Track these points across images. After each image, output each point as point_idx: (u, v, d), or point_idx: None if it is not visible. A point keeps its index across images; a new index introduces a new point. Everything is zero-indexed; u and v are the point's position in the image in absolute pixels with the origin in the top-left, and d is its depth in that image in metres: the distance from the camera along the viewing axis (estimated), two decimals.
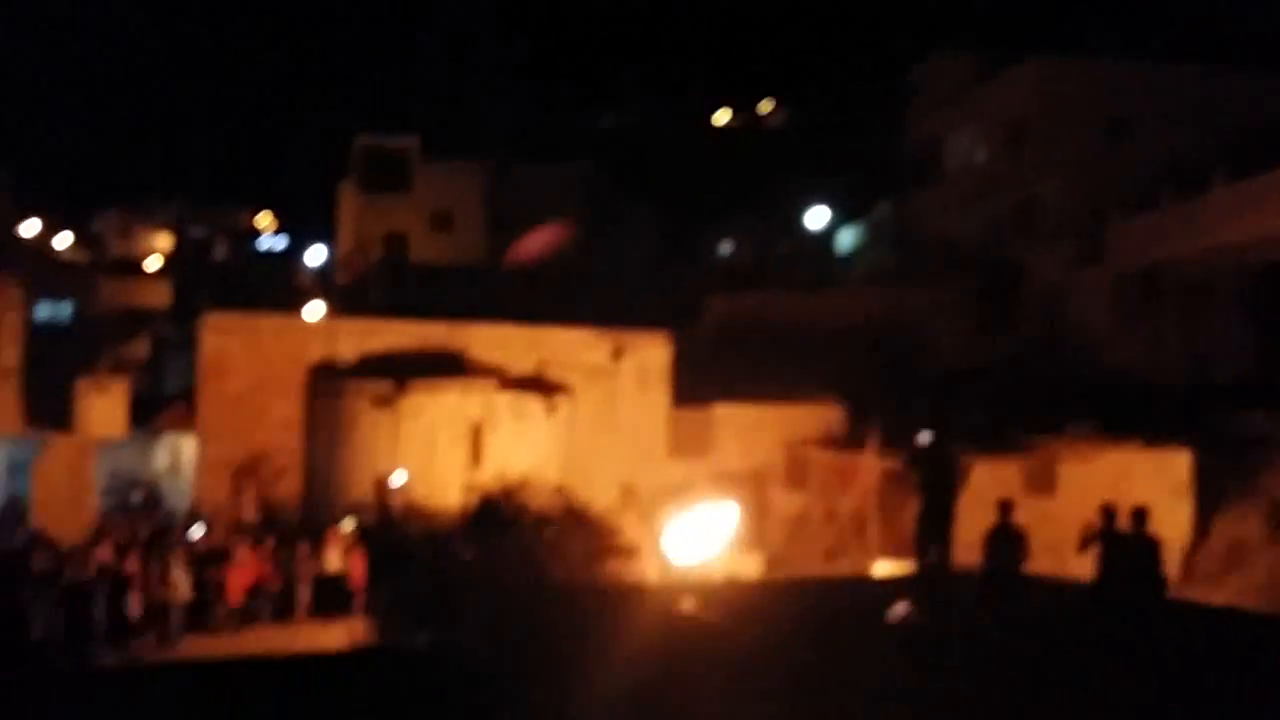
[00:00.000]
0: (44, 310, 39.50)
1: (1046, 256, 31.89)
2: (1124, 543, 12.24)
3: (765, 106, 57.58)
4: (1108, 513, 12.53)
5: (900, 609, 11.31)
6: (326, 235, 49.95)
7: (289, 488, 25.34)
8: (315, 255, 48.14)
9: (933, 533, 12.71)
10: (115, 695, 12.37)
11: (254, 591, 20.91)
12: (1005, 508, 12.67)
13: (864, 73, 48.84)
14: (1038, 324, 31.29)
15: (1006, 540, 12.36)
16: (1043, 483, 22.96)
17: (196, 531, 22.82)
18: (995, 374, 28.33)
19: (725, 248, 47.01)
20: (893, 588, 13.66)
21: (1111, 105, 32.56)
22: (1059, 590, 13.29)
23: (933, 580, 12.60)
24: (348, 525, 22.46)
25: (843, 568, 25.38)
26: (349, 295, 41.44)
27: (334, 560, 21.70)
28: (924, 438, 13.81)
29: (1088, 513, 13.13)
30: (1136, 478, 22.26)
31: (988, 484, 21.89)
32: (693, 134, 53.95)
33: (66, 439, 26.32)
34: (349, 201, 47.14)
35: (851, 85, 49.33)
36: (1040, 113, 33.58)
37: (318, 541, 21.94)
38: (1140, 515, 12.26)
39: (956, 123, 37.25)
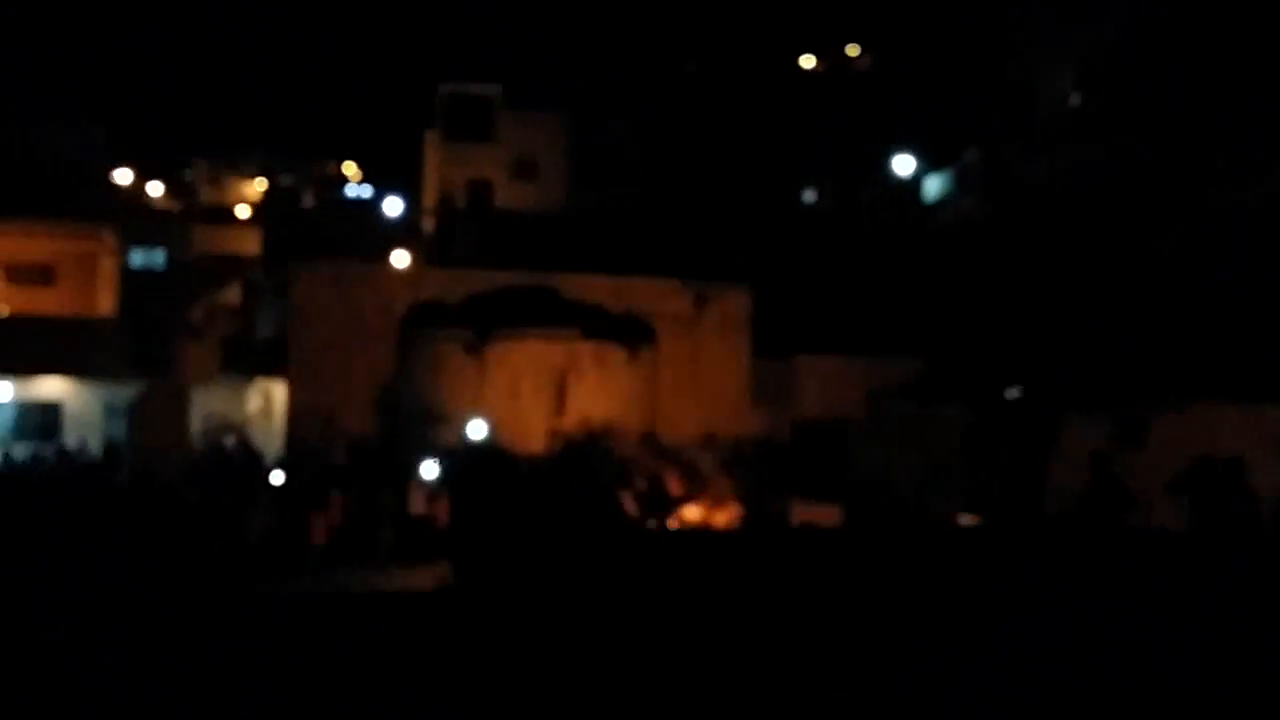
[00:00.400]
0: (138, 258, 40.48)
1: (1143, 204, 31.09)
2: (1221, 496, 12.07)
3: (852, 51, 56.55)
4: (1207, 465, 12.35)
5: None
6: (411, 184, 50.34)
7: (377, 433, 25.82)
8: (396, 205, 48.59)
9: (1021, 486, 12.65)
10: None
11: (339, 534, 21.44)
12: (1100, 461, 12.55)
13: (953, 14, 47.64)
14: (1131, 274, 30.61)
15: (1104, 493, 12.26)
16: (1134, 437, 22.59)
17: (278, 476, 23.39)
18: (1085, 326, 27.81)
19: (809, 195, 46.49)
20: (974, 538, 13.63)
21: None
22: (1155, 542, 13.14)
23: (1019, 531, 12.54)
24: (430, 471, 22.83)
25: (926, 518, 25.31)
26: (435, 243, 41.86)
27: (418, 504, 22.12)
28: (1012, 393, 13.70)
29: (1180, 467, 12.95)
30: (1230, 433, 21.81)
31: (1077, 438, 21.67)
32: (777, 80, 53.26)
33: (163, 384, 27.06)
34: (433, 150, 47.40)
35: (940, 28, 48.20)
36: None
37: (402, 486, 22.40)
38: (1236, 468, 12.08)
39: (1050, 65, 36.34)
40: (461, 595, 16.16)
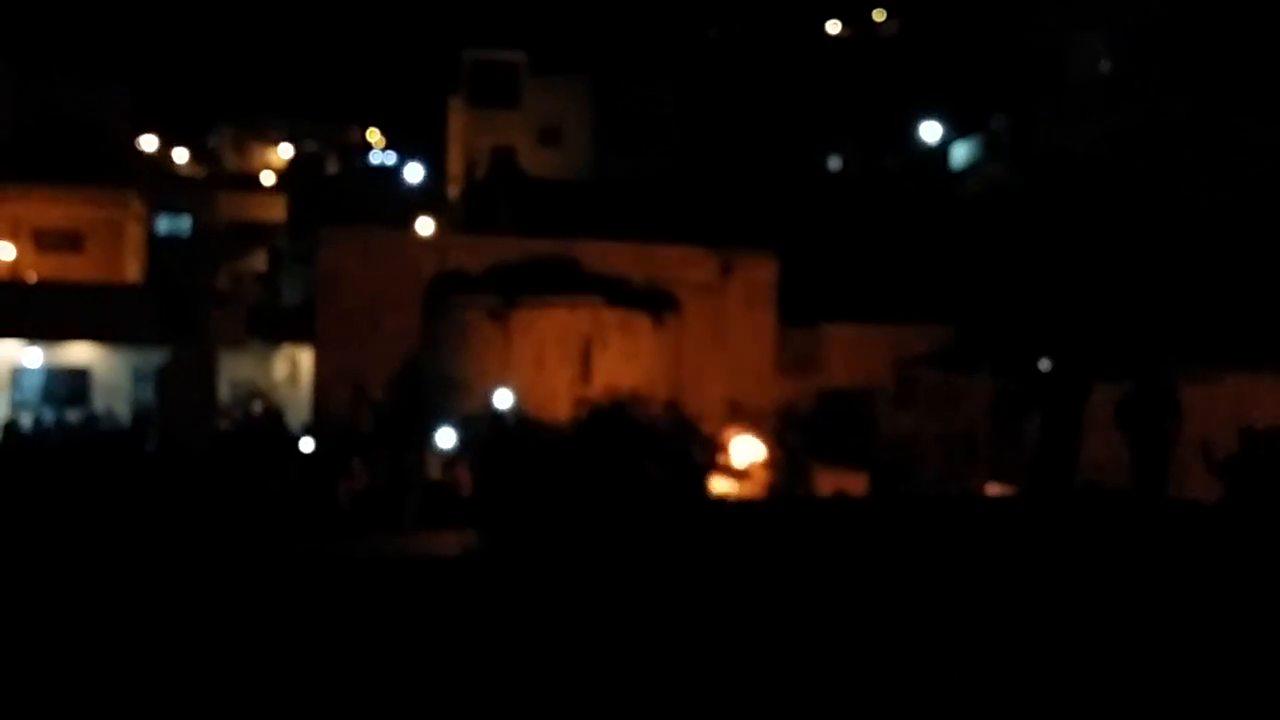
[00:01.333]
0: (164, 224, 40.69)
1: (1175, 171, 30.78)
2: (1256, 465, 12.01)
3: (878, 15, 56.10)
4: (1244, 435, 12.29)
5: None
6: (435, 151, 50.31)
7: (403, 399, 25.92)
8: (420, 171, 48.60)
9: (1055, 455, 12.60)
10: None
11: (363, 499, 21.58)
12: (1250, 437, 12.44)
13: None
14: (1161, 241, 30.35)
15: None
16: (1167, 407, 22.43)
17: (307, 443, 23.52)
18: (1115, 294, 27.61)
19: (834, 162, 46.23)
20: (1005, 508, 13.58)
21: None
22: (1189, 512, 13.07)
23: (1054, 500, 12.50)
24: (447, 438, 22.85)
25: (954, 487, 25.28)
26: (460, 210, 41.85)
27: (434, 471, 22.22)
28: (1044, 364, 13.62)
29: (1210, 437, 12.86)
30: (1263, 403, 21.64)
31: (1107, 407, 21.54)
32: (802, 44, 52.88)
33: (190, 350, 27.18)
34: (457, 116, 47.33)
35: None
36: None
37: (424, 453, 22.53)
38: (1275, 439, 12.01)
39: (1080, 29, 35.94)
40: (488, 562, 16.23)
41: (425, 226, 36.07)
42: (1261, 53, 30.80)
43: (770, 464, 24.76)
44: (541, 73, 46.21)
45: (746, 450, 25.03)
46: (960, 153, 41.82)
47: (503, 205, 34.42)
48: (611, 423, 23.92)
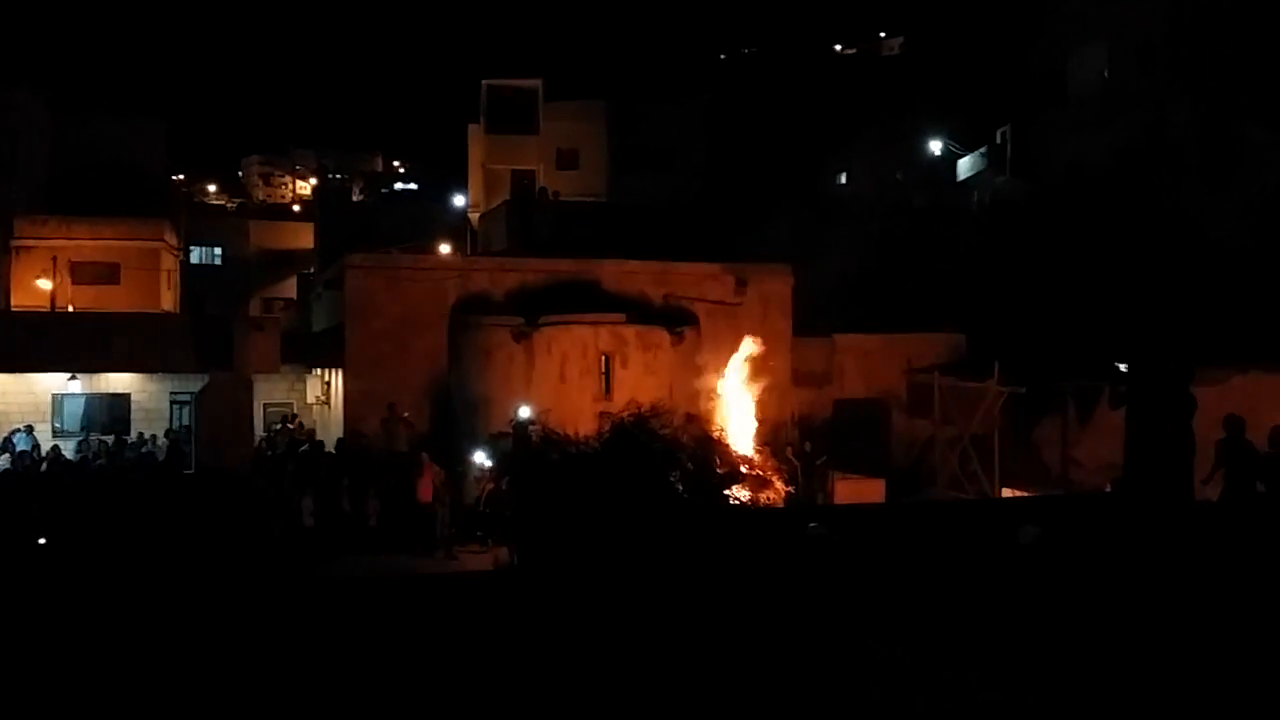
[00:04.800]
0: (196, 254, 41.67)
1: (1178, 179, 31.35)
2: (1256, 459, 12.40)
3: (883, 36, 56.92)
4: (1233, 424, 12.70)
5: (1030, 531, 11.64)
6: (456, 177, 51.26)
7: (432, 419, 26.66)
8: (452, 198, 49.53)
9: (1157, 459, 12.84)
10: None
11: (393, 517, 22.44)
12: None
13: None
14: (1167, 247, 30.90)
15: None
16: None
17: (336, 462, 24.27)
18: (1124, 299, 28.19)
19: (843, 178, 46.95)
20: (1020, 511, 13.92)
21: None
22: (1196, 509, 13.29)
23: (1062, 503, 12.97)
24: (483, 456, 23.59)
25: (969, 492, 25.87)
26: (481, 234, 42.71)
27: (471, 488, 23.01)
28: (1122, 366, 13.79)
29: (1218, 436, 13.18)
30: (1272, 402, 22.10)
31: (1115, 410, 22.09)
32: (811, 65, 53.64)
33: (225, 375, 28.01)
34: (476, 143, 48.29)
35: (970, 7, 48.45)
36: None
37: (454, 471, 23.30)
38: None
39: (1081, 42, 36.57)
40: (525, 577, 16.70)
41: (450, 250, 36.89)
42: (1264, 59, 31.35)
43: (789, 473, 25.33)
44: (558, 98, 47.16)
45: (765, 461, 25.64)
46: (966, 165, 42.47)
47: (538, 227, 34.99)
48: (634, 436, 24.49)
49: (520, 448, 24.57)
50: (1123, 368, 13.86)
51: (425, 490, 22.67)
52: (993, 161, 40.84)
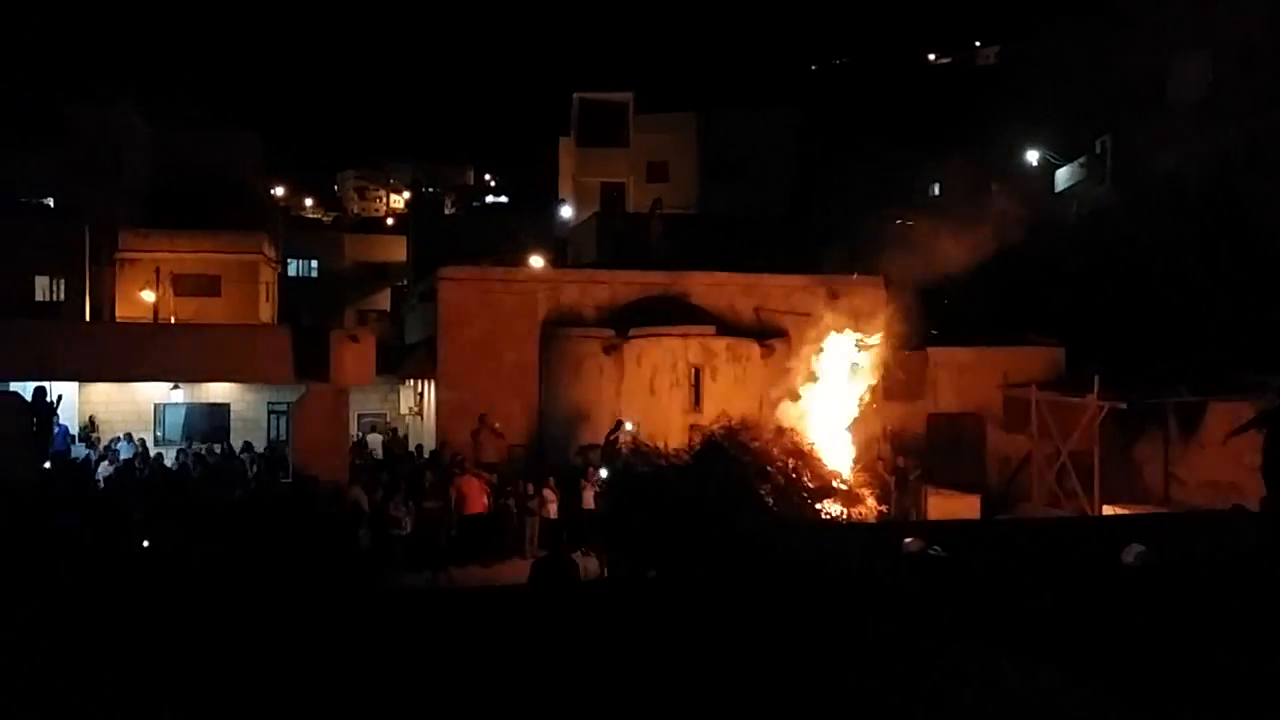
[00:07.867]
0: (293, 266, 42.47)
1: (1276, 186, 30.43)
2: None
3: (979, 45, 56.18)
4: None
5: (1134, 549, 11.33)
6: (546, 190, 51.65)
7: (524, 430, 26.84)
8: (557, 209, 49.89)
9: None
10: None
11: (482, 528, 22.54)
12: None
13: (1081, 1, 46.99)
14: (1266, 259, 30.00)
15: None
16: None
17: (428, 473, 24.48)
18: (1222, 312, 27.42)
19: (936, 189, 46.38)
20: (1121, 529, 13.63)
21: None
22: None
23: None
24: (600, 468, 23.56)
25: (1066, 510, 25.30)
26: (571, 246, 42.96)
27: (587, 500, 22.95)
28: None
29: None
30: None
31: (1220, 426, 21.51)
32: (904, 74, 53.16)
33: (321, 386, 28.46)
34: (567, 155, 48.64)
35: (1068, 15, 47.57)
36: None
37: (542, 482, 23.36)
38: None
39: (1183, 51, 35.71)
40: (622, 587, 16.66)
41: (540, 263, 37.14)
42: None
43: (882, 488, 24.99)
44: (648, 110, 47.30)
45: (857, 475, 25.33)
46: (1064, 175, 41.72)
47: (655, 245, 34.84)
48: (724, 449, 24.37)
49: (610, 460, 24.71)
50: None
51: (476, 500, 22.55)
52: (1092, 172, 40.04)
